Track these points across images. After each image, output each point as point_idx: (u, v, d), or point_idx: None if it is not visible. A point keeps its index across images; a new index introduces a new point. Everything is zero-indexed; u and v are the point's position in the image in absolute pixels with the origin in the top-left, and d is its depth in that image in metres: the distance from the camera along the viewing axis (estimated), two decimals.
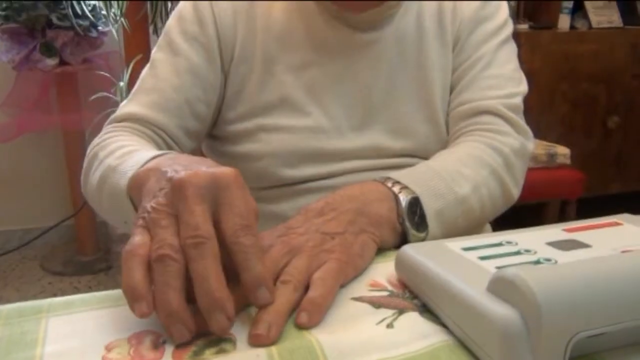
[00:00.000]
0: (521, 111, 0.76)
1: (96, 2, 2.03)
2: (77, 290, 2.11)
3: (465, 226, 0.62)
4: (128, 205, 0.53)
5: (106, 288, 2.18)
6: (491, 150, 0.69)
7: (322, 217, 0.52)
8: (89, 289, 2.12)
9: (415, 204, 0.57)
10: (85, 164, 0.67)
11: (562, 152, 2.08)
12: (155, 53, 0.75)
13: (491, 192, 0.66)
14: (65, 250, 2.39)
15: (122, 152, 0.60)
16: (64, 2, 1.95)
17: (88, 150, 0.68)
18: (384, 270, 0.50)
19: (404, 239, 0.57)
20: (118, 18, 1.93)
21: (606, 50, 2.51)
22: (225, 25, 0.73)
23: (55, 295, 2.13)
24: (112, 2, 1.90)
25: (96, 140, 0.68)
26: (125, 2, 1.89)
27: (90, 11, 2.01)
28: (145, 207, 0.42)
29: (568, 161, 2.09)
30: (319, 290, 0.43)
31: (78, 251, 2.34)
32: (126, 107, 0.73)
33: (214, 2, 0.73)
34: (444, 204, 0.59)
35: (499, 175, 0.68)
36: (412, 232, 0.57)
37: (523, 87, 0.77)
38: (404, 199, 0.57)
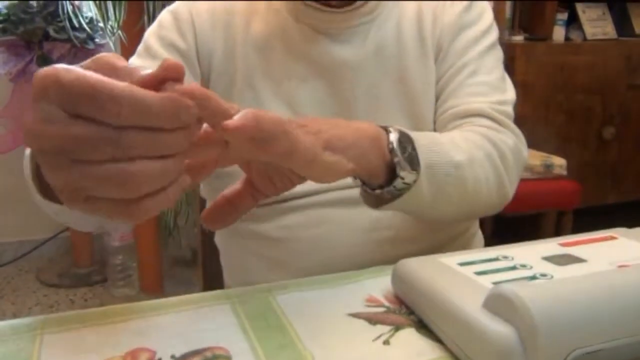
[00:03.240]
0: (512, 118, 0.73)
1: (93, 15, 2.03)
2: (72, 303, 2.10)
3: (454, 197, 0.60)
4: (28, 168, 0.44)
5: (102, 300, 2.16)
6: (487, 140, 0.66)
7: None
8: (85, 302, 2.11)
9: (406, 142, 0.55)
10: None
11: (559, 162, 2.09)
12: (131, 60, 0.72)
13: (487, 174, 0.63)
14: (61, 262, 2.38)
15: None
16: (61, 14, 1.96)
17: None
18: (380, 286, 0.50)
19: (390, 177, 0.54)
20: (115, 30, 1.94)
21: (601, 61, 2.52)
22: (204, 36, 0.72)
23: (51, 307, 2.13)
24: (109, 14, 1.90)
25: None
26: (122, 15, 1.90)
27: (87, 24, 2.02)
28: None
29: (564, 172, 2.09)
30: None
31: (74, 263, 2.33)
32: None
33: (193, 13, 0.72)
34: (437, 159, 0.57)
35: (494, 161, 0.65)
36: (402, 165, 0.54)
37: (510, 94, 0.74)
38: (394, 137, 0.55)
